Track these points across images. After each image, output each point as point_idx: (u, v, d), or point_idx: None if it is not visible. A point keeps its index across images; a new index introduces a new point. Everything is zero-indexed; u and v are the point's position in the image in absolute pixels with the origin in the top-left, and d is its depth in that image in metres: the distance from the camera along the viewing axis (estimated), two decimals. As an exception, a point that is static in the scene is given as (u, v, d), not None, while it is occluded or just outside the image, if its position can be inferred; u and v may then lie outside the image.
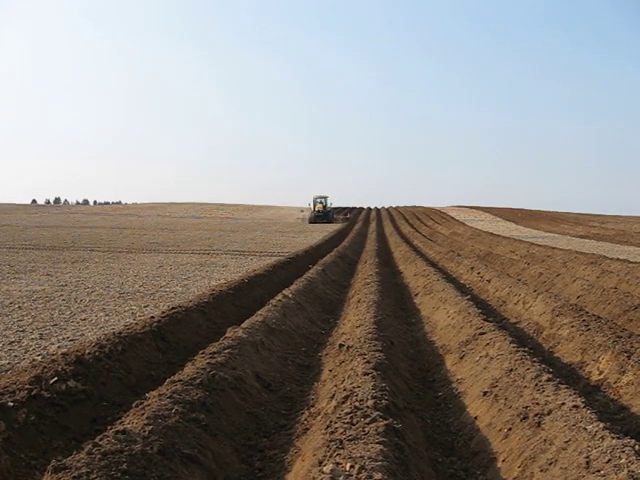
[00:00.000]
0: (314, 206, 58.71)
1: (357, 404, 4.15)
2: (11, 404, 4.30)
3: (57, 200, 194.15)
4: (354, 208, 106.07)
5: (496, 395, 5.18)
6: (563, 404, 4.27)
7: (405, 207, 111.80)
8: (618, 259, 17.96)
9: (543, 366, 5.38)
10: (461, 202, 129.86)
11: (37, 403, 4.50)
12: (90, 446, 3.42)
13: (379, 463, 3.16)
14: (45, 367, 5.10)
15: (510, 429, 4.46)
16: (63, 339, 7.40)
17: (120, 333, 6.43)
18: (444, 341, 8.03)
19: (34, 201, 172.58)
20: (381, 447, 3.38)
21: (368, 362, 5.34)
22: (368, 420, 3.83)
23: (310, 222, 55.08)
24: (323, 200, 59.54)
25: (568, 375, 6.41)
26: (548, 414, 4.24)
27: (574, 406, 4.18)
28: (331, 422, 3.96)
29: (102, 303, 10.21)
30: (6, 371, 5.86)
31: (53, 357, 5.52)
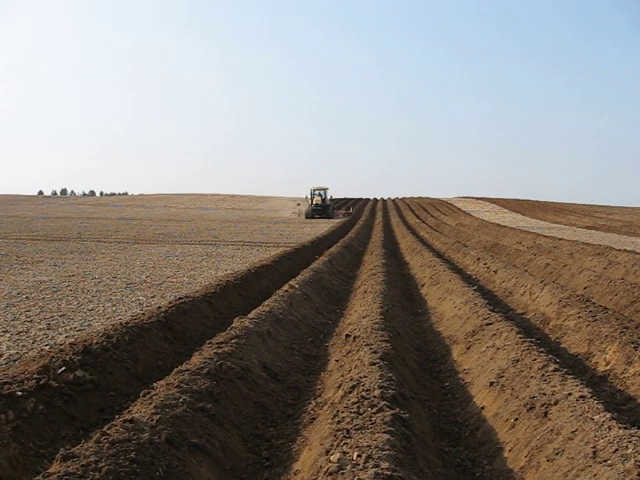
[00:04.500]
0: (312, 199, 51.83)
1: (364, 394, 4.16)
2: (20, 393, 4.32)
3: (64, 191, 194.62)
4: (359, 199, 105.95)
5: (503, 385, 5.18)
6: (570, 394, 4.27)
7: (411, 198, 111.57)
8: (625, 250, 17.86)
9: (550, 357, 5.38)
10: (467, 193, 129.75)
11: (45, 392, 4.52)
12: (98, 435, 3.44)
13: (386, 452, 3.16)
14: (53, 357, 5.12)
15: (517, 419, 4.46)
16: (71, 329, 7.43)
17: (127, 323, 6.45)
18: (450, 331, 8.02)
19: (41, 192, 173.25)
20: (388, 436, 3.39)
21: (375, 352, 5.35)
22: (375, 410, 3.84)
23: (307, 217, 49.11)
24: (322, 192, 52.75)
25: (575, 366, 6.40)
26: (555, 404, 4.24)
27: (581, 396, 4.18)
28: (338, 412, 3.97)
29: (109, 293, 10.24)
30: (14, 361, 5.90)
31: (61, 347, 5.54)
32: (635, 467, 3.04)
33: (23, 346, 6.56)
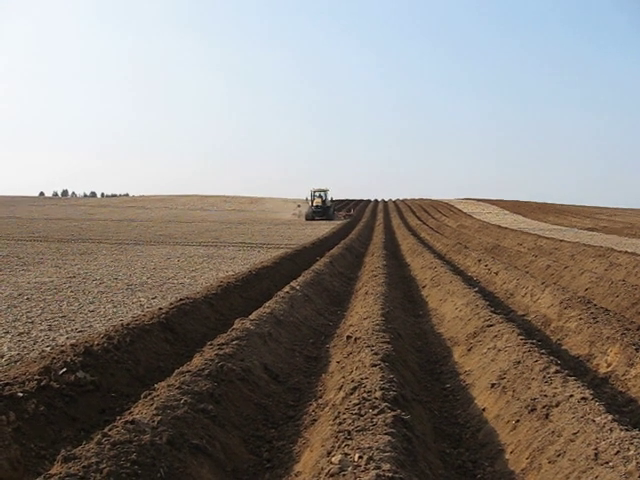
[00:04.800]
0: (312, 200, 51.51)
1: (365, 395, 4.16)
2: (21, 394, 4.33)
3: (65, 192, 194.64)
4: (361, 200, 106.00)
5: (504, 387, 5.18)
6: (571, 396, 4.26)
7: (412, 200, 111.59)
8: (626, 252, 17.86)
9: (551, 358, 5.37)
10: (468, 195, 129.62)
11: (46, 394, 4.53)
12: (99, 436, 3.43)
13: (387, 454, 3.16)
14: (54, 358, 5.12)
15: (518, 421, 4.45)
16: (72, 330, 7.44)
17: (128, 324, 6.46)
18: (452, 333, 8.02)
19: (42, 193, 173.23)
20: (389, 438, 3.38)
21: (376, 354, 5.34)
22: (376, 411, 3.84)
23: (307, 219, 48.85)
24: (323, 194, 52.18)
25: (576, 367, 6.40)
26: (556, 406, 4.24)
27: (582, 398, 4.17)
28: (339, 413, 3.97)
29: (110, 295, 10.24)
30: (15, 362, 5.90)
31: (62, 348, 5.54)
32: (637, 469, 3.03)
33: (24, 347, 6.56)
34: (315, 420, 4.68)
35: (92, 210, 61.36)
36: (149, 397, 4.32)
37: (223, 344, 5.87)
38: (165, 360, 6.27)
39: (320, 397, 5.32)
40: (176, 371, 5.03)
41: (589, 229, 40.32)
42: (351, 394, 4.32)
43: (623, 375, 5.73)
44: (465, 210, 74.59)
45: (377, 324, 6.78)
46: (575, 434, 3.72)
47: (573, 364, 6.52)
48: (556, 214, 65.72)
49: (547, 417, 4.19)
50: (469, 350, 6.89)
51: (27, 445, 3.96)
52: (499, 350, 6.16)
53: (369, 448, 3.22)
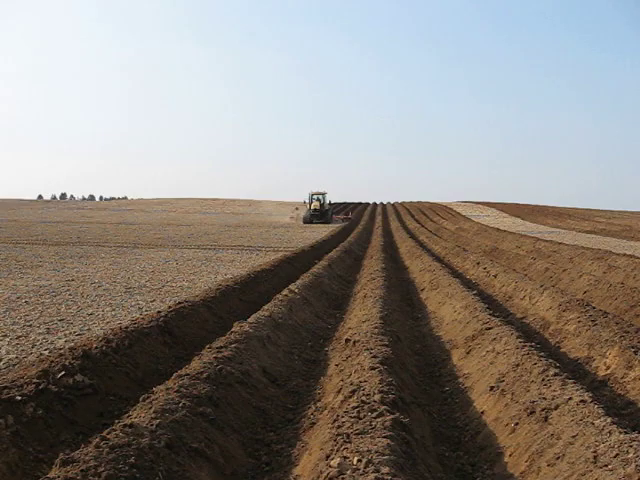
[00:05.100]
0: (310, 204, 50.49)
1: (364, 398, 4.15)
2: (19, 398, 4.32)
3: (63, 196, 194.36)
4: (359, 203, 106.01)
5: (503, 390, 5.18)
6: (570, 399, 4.26)
7: (411, 202, 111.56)
8: (624, 254, 17.87)
9: (550, 361, 5.37)
10: (467, 197, 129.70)
11: (45, 397, 4.52)
12: (98, 440, 3.43)
13: (386, 457, 3.16)
14: (52, 361, 5.12)
15: (517, 424, 4.45)
16: (70, 334, 7.42)
17: (127, 328, 6.45)
18: (450, 336, 8.02)
19: (40, 197, 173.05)
20: (388, 441, 3.38)
21: (375, 357, 5.34)
22: (375, 414, 3.84)
23: (305, 222, 47.93)
24: (321, 197, 51.17)
25: (575, 370, 6.40)
26: (555, 409, 4.24)
27: (581, 401, 4.17)
28: (338, 416, 3.97)
29: (109, 298, 10.23)
30: (14, 365, 5.89)
31: (60, 351, 5.54)
32: (636, 472, 3.03)
33: (22, 350, 6.55)
34: (314, 423, 4.67)
35: (91, 213, 61.30)
36: (148, 400, 4.32)
37: (222, 347, 5.86)
38: (164, 363, 6.26)
39: (319, 400, 5.32)
40: (175, 374, 5.02)
41: (587, 232, 40.33)
42: (350, 397, 4.32)
43: (622, 378, 5.73)
44: (464, 213, 74.58)
45: (376, 327, 6.78)
46: (574, 437, 3.72)
47: (572, 367, 6.52)
48: (554, 217, 65.75)
49: (546, 420, 4.19)
50: (468, 353, 6.89)
51: (25, 449, 3.95)
52: (498, 353, 6.16)
53: (368, 451, 3.22)
